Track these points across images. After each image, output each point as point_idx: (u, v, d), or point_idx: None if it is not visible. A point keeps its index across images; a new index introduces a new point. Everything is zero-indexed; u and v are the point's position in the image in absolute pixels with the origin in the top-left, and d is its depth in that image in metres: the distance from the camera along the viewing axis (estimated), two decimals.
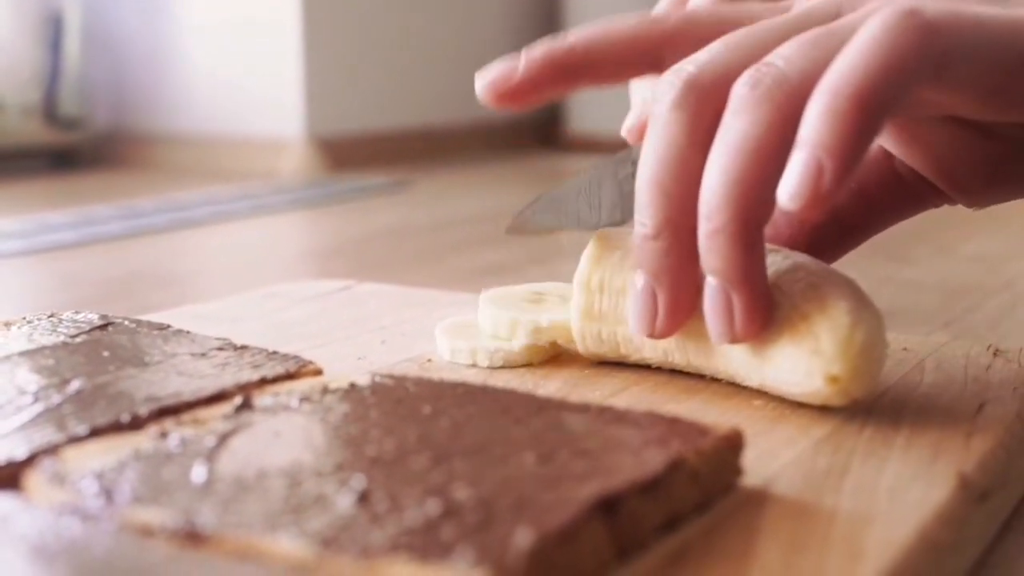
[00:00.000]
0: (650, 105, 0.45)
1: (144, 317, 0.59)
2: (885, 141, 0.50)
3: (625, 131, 0.52)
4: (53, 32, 2.31)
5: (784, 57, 0.40)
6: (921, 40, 0.38)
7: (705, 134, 0.42)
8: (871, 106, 0.37)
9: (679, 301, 0.44)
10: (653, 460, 0.34)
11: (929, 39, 0.38)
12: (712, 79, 0.42)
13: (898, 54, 0.38)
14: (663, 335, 0.45)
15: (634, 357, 0.49)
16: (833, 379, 0.42)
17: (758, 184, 0.40)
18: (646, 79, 0.54)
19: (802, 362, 0.42)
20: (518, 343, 0.51)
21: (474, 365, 0.52)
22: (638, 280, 0.44)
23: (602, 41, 0.47)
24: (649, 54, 0.47)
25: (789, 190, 0.38)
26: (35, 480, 0.34)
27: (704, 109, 0.42)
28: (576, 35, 0.48)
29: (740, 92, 0.40)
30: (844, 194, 0.51)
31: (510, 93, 0.48)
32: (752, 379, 0.45)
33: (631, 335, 0.48)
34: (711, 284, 0.42)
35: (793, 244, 0.50)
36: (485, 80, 0.48)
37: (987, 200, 0.51)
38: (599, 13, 2.69)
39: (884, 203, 0.52)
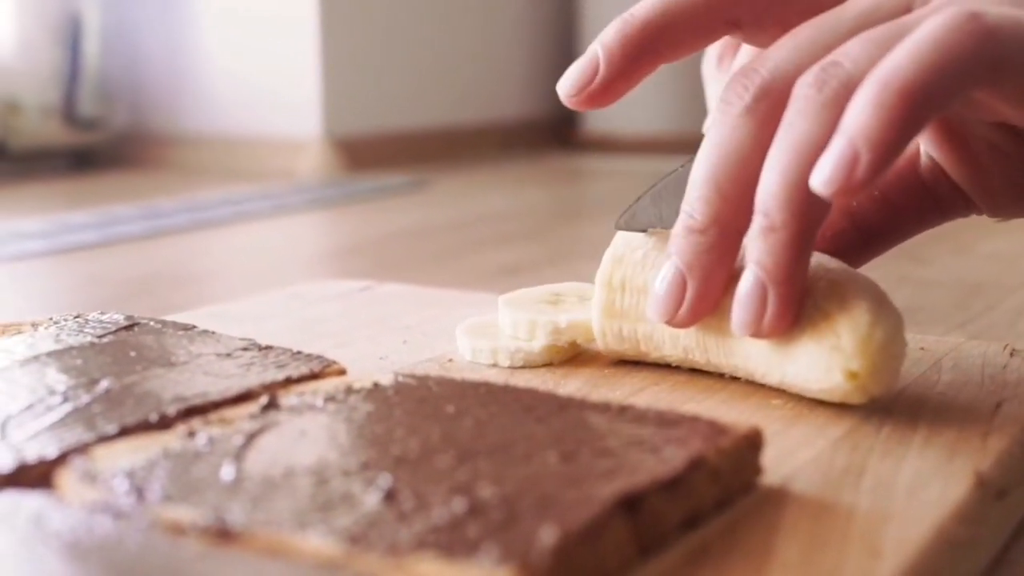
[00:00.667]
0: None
1: (168, 317, 0.60)
2: (923, 139, 0.50)
3: (706, 130, 0.53)
4: (72, 33, 2.32)
5: (851, 58, 0.40)
6: (979, 44, 0.38)
7: (770, 139, 0.42)
8: (917, 103, 0.37)
9: (707, 296, 0.45)
10: (674, 459, 0.34)
11: (988, 44, 0.38)
12: (783, 85, 0.42)
13: (953, 55, 0.38)
14: (681, 325, 0.45)
15: (654, 355, 0.50)
16: (852, 375, 0.42)
17: None
18: (719, 74, 0.54)
19: (822, 358, 0.43)
20: (538, 343, 0.52)
21: (495, 365, 0.52)
22: (669, 267, 0.45)
23: (674, 9, 0.46)
24: (724, 13, 0.46)
25: (822, 175, 0.38)
26: (67, 479, 0.35)
27: (773, 115, 0.42)
28: (644, 9, 0.47)
29: (805, 92, 0.40)
30: (868, 201, 0.51)
31: (599, 94, 0.48)
32: (772, 376, 0.46)
33: (651, 333, 0.49)
34: (751, 276, 0.42)
35: (816, 248, 0.51)
36: (569, 87, 0.48)
37: (1014, 213, 0.51)
38: (615, 14, 2.69)
39: (908, 211, 0.52)
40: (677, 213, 0.45)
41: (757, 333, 0.43)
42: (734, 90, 0.43)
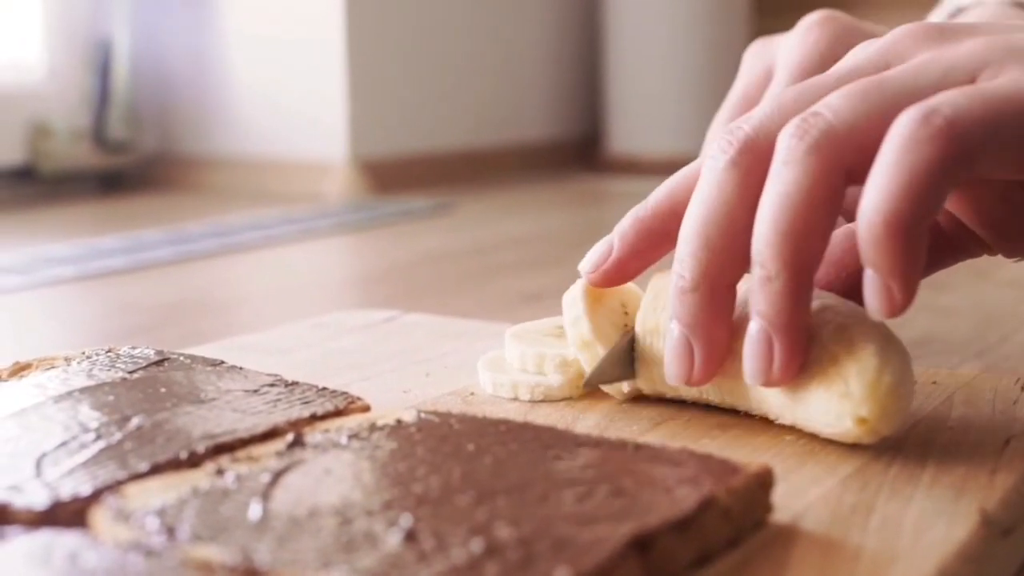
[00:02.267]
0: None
1: (195, 347, 0.61)
2: None
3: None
4: (102, 57, 2.35)
5: (831, 107, 0.42)
6: (943, 147, 0.39)
7: (755, 192, 0.43)
8: (905, 229, 0.39)
9: (713, 352, 0.46)
10: (686, 499, 0.36)
11: (950, 144, 0.39)
12: (766, 140, 0.44)
13: (918, 172, 0.39)
14: (699, 383, 0.47)
15: (670, 394, 0.51)
16: (862, 421, 0.43)
17: (808, 234, 0.42)
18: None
19: (832, 405, 0.44)
20: (556, 378, 0.53)
21: (516, 399, 0.54)
22: (674, 330, 0.46)
23: (682, 195, 0.48)
24: None
25: (873, 307, 0.41)
26: (101, 517, 0.36)
27: (756, 168, 0.44)
28: (656, 196, 0.49)
29: (788, 143, 0.42)
30: None
31: (612, 273, 0.50)
32: (785, 418, 0.47)
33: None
34: (755, 327, 0.44)
35: (831, 291, 0.52)
36: (587, 266, 0.51)
37: None
38: (639, 35, 2.68)
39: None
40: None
41: (768, 382, 0.44)
42: (719, 145, 0.45)
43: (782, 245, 0.42)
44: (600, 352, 0.51)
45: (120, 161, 2.36)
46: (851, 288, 0.51)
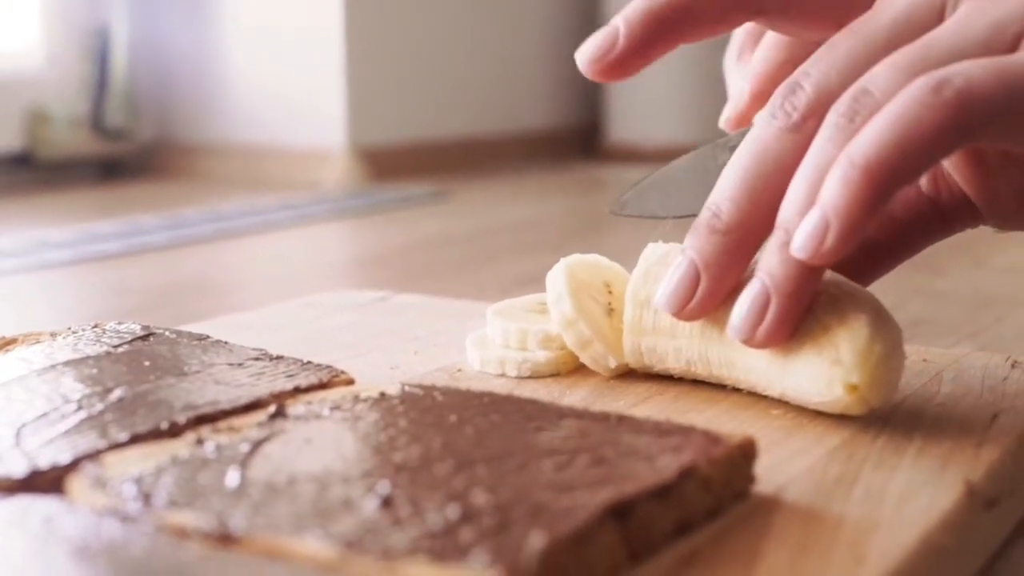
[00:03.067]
0: (746, 98, 0.46)
1: (186, 326, 0.61)
2: None
3: (723, 122, 0.54)
4: (100, 44, 2.35)
5: (879, 87, 0.41)
6: (945, 117, 0.39)
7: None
8: (880, 181, 0.39)
9: (716, 295, 0.45)
10: (666, 467, 0.35)
11: (955, 115, 0.39)
12: (828, 100, 0.43)
13: (916, 133, 0.39)
14: (689, 318, 0.46)
15: (657, 368, 0.50)
16: (852, 388, 0.43)
17: None
18: (740, 67, 0.55)
19: (823, 372, 0.44)
20: (544, 354, 0.53)
21: (503, 375, 0.53)
22: (684, 262, 0.46)
23: None
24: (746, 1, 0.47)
25: (796, 242, 0.40)
26: (78, 484, 0.36)
27: (814, 133, 0.43)
28: None
29: (836, 121, 0.42)
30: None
31: (616, 64, 0.48)
32: (773, 389, 0.47)
33: (654, 346, 0.49)
34: (758, 284, 0.43)
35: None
36: (586, 55, 0.49)
37: (1017, 225, 0.51)
38: None
39: (912, 225, 0.53)
40: (677, 202, 0.46)
41: (749, 341, 0.44)
42: (780, 106, 0.44)
43: None
44: (584, 329, 0.51)
45: (118, 148, 2.36)
46: (843, 266, 0.51)
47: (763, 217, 0.44)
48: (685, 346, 0.49)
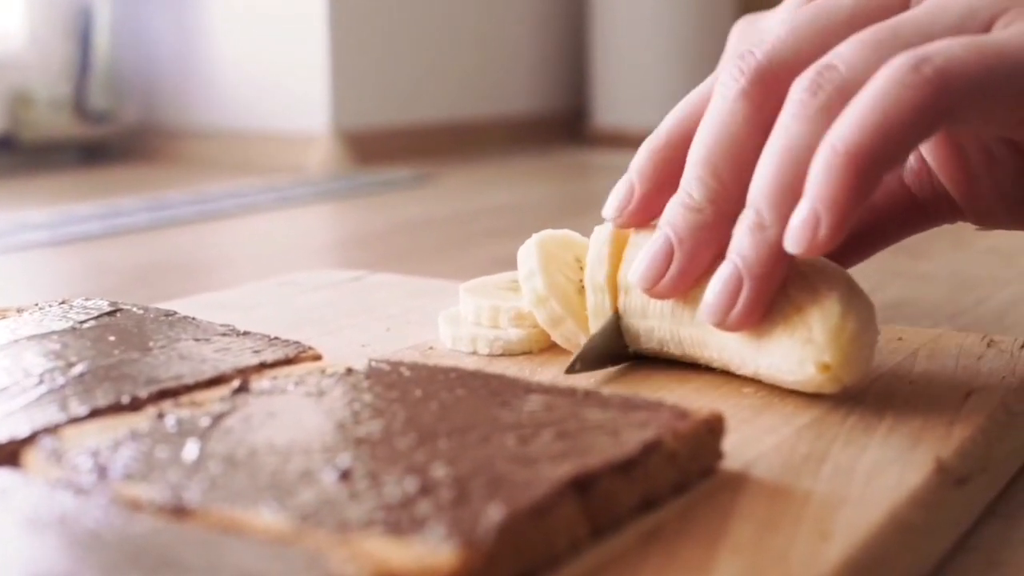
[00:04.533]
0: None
1: (161, 304, 0.60)
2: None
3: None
4: (83, 26, 2.33)
5: (845, 62, 0.41)
6: (926, 96, 0.38)
7: (765, 123, 0.43)
8: (865, 166, 0.38)
9: (690, 271, 0.45)
10: (630, 441, 0.35)
11: (935, 93, 0.38)
12: (778, 71, 0.43)
13: (897, 113, 0.38)
14: (662, 296, 0.46)
15: (630, 348, 0.50)
16: (824, 367, 0.43)
17: None
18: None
19: (795, 351, 0.43)
20: (515, 332, 0.52)
21: (475, 353, 0.53)
22: (659, 237, 0.45)
23: (692, 122, 0.47)
24: None
25: (790, 238, 0.40)
26: (34, 457, 0.35)
27: (767, 100, 0.43)
28: (667, 124, 0.48)
29: (800, 97, 0.41)
30: None
31: (638, 213, 0.48)
32: (746, 368, 0.46)
33: (627, 327, 0.49)
34: (729, 266, 0.43)
35: None
36: (610, 214, 0.49)
37: (997, 223, 0.51)
38: (625, 8, 2.66)
39: (892, 216, 0.52)
40: None
41: (721, 324, 0.44)
42: (730, 72, 0.44)
43: (782, 199, 0.41)
44: (556, 307, 0.50)
45: (101, 131, 2.34)
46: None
47: (731, 191, 0.43)
48: (656, 326, 0.48)
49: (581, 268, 0.51)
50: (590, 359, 0.49)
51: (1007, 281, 0.90)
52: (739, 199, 0.43)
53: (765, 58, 0.43)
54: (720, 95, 0.44)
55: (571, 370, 0.48)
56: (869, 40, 0.41)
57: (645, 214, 0.48)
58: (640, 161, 0.48)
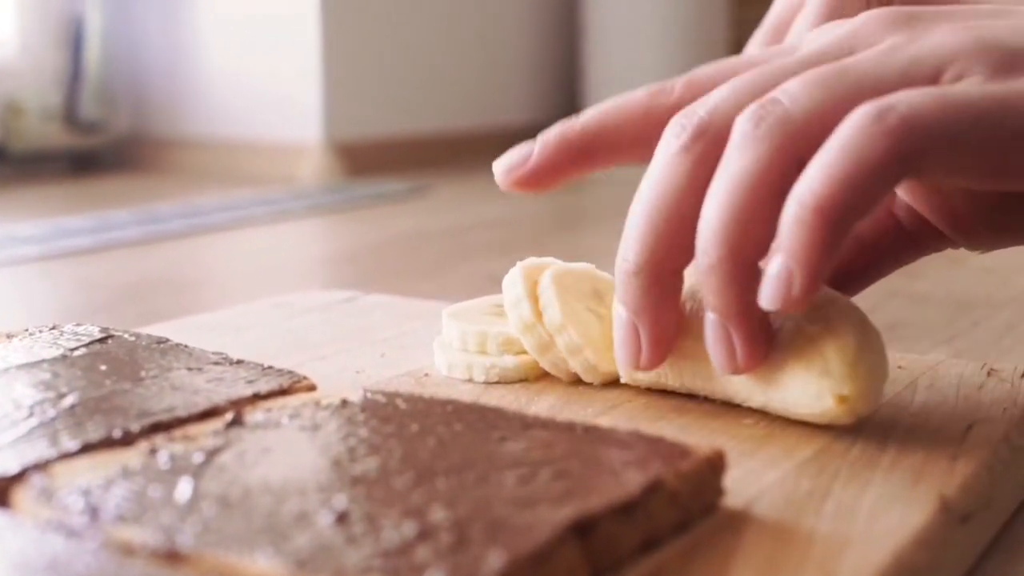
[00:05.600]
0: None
1: (151, 326, 0.60)
2: (898, 188, 0.49)
3: None
4: (74, 35, 2.33)
5: (789, 94, 0.41)
6: (889, 146, 0.38)
7: (706, 178, 0.42)
8: (835, 218, 0.38)
9: (660, 337, 0.45)
10: (632, 482, 0.34)
11: (899, 143, 0.38)
12: (721, 125, 0.42)
13: (863, 164, 0.38)
14: (647, 367, 0.46)
15: (626, 379, 0.49)
16: (842, 399, 0.42)
17: (754, 221, 0.40)
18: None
19: (811, 384, 0.43)
20: (511, 359, 0.52)
21: (470, 380, 0.52)
22: (619, 315, 0.45)
23: (613, 119, 0.47)
24: (661, 127, 0.46)
25: (765, 295, 0.39)
26: (23, 496, 0.35)
27: (709, 153, 0.42)
28: (588, 115, 0.48)
29: (743, 128, 0.41)
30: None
31: (526, 178, 0.48)
32: (753, 401, 0.45)
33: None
34: (710, 319, 0.43)
35: None
36: (501, 166, 0.49)
37: (992, 245, 0.50)
38: (619, 19, 2.66)
39: (882, 250, 0.52)
40: None
41: (737, 371, 0.43)
42: (672, 130, 0.43)
43: (724, 232, 0.40)
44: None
45: (92, 141, 2.34)
46: None
47: (671, 247, 0.43)
48: None
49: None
50: None
51: (1004, 302, 0.90)
52: (681, 255, 0.43)
53: (707, 114, 0.43)
54: (661, 151, 0.44)
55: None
56: (815, 78, 0.41)
57: (532, 181, 0.48)
58: (548, 135, 0.48)
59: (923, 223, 0.50)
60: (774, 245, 0.40)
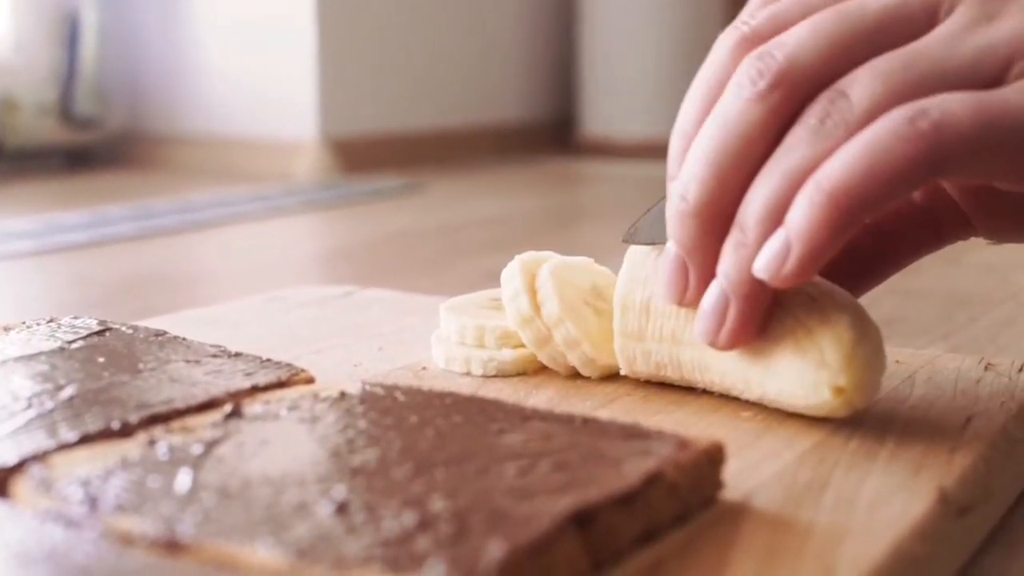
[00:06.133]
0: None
1: (147, 320, 0.60)
2: None
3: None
4: (69, 32, 2.32)
5: (857, 92, 0.40)
6: (919, 151, 0.38)
7: (777, 130, 0.42)
8: (845, 208, 0.38)
9: (708, 276, 0.44)
10: (631, 473, 0.34)
11: (928, 149, 0.38)
12: (799, 77, 0.42)
13: (887, 163, 0.38)
14: (691, 304, 0.45)
15: (625, 371, 0.49)
16: (839, 391, 0.42)
17: None
18: None
19: (808, 375, 0.43)
20: (509, 353, 0.52)
21: (468, 374, 0.52)
22: (670, 250, 0.45)
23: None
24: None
25: (759, 261, 0.40)
26: (22, 487, 0.35)
27: (784, 106, 0.42)
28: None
29: (809, 122, 0.41)
30: (861, 229, 0.50)
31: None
32: (751, 393, 0.45)
33: (621, 349, 0.48)
34: (716, 286, 0.43)
35: None
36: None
37: (1011, 238, 0.50)
38: (614, 17, 2.66)
39: (903, 238, 0.51)
40: None
41: (714, 343, 0.43)
42: (748, 73, 0.42)
43: (769, 218, 0.40)
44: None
45: (87, 137, 2.34)
46: (831, 278, 0.49)
47: (733, 194, 0.42)
48: (655, 349, 0.48)
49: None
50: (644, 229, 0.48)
51: (1001, 299, 0.90)
52: (738, 203, 0.42)
53: (787, 61, 0.42)
54: (734, 94, 0.42)
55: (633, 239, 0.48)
56: (882, 70, 0.41)
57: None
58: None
59: (946, 209, 0.50)
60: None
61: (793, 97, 0.42)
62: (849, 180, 0.38)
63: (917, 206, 0.51)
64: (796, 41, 0.42)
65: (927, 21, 0.43)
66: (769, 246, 0.40)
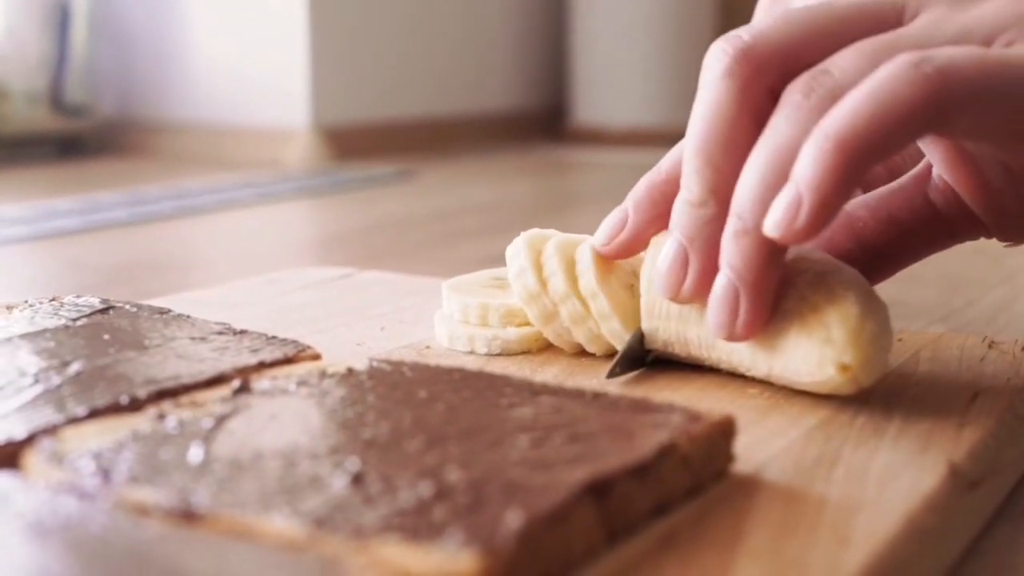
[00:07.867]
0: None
1: (144, 302, 0.59)
2: (935, 160, 0.49)
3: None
4: (60, 19, 2.31)
5: (840, 68, 0.41)
6: (924, 93, 0.38)
7: (754, 105, 0.42)
8: (852, 153, 0.38)
9: (711, 267, 0.44)
10: (644, 445, 0.34)
11: (933, 92, 0.38)
12: (765, 51, 0.42)
13: (892, 106, 0.38)
14: (689, 300, 0.45)
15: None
16: (844, 368, 0.42)
17: None
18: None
19: (813, 352, 0.43)
20: (514, 331, 0.52)
21: (472, 352, 0.52)
22: (671, 243, 0.45)
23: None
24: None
25: (770, 219, 0.39)
26: (33, 459, 0.35)
27: (754, 80, 0.42)
28: (669, 161, 0.48)
29: (792, 98, 0.41)
30: (875, 223, 0.50)
31: (629, 243, 0.49)
32: (758, 370, 0.45)
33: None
34: (723, 279, 0.43)
35: None
36: (600, 241, 0.49)
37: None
38: (605, 6, 2.65)
39: (916, 233, 0.51)
40: None
41: (731, 336, 0.43)
42: (714, 53, 0.43)
43: (765, 200, 0.40)
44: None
45: (78, 125, 2.33)
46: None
47: (729, 177, 0.43)
48: (662, 327, 0.48)
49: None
50: (628, 360, 0.48)
51: (996, 283, 0.90)
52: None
53: (752, 38, 0.43)
54: (706, 80, 0.43)
55: (613, 374, 0.48)
56: (867, 49, 0.41)
57: (635, 244, 0.49)
58: (637, 193, 0.49)
59: (959, 209, 0.50)
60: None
61: (762, 70, 0.42)
62: (856, 125, 0.38)
63: (932, 205, 0.51)
64: (766, 25, 0.43)
65: (895, 19, 0.43)
66: (779, 202, 0.39)
